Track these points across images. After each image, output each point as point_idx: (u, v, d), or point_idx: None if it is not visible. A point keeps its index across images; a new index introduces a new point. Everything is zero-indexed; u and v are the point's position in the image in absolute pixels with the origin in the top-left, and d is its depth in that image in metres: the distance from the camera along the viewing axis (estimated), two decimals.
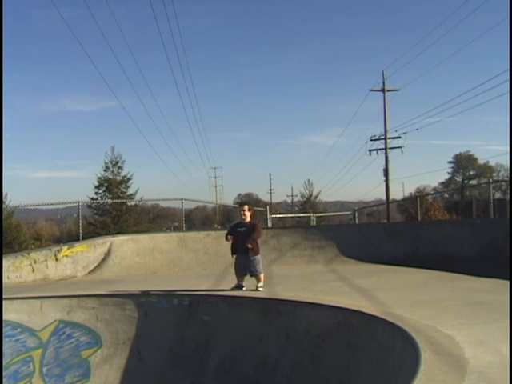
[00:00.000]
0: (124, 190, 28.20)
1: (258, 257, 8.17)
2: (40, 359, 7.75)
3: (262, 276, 8.17)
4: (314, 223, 28.14)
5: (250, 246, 7.94)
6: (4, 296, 7.67)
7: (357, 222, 25.35)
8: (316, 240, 10.90)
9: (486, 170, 59.61)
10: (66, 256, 11.90)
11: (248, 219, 8.29)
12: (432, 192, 48.99)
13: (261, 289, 8.03)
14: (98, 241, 12.86)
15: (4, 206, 20.86)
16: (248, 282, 8.27)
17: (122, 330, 7.89)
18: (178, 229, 21.48)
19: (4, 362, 7.46)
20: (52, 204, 17.32)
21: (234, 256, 8.32)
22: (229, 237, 8.27)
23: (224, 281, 9.25)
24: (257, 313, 7.17)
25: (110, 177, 28.03)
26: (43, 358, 7.77)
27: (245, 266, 8.12)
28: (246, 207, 8.39)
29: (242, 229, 8.21)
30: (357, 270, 10.69)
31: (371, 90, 32.30)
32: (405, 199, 43.17)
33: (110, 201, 26.50)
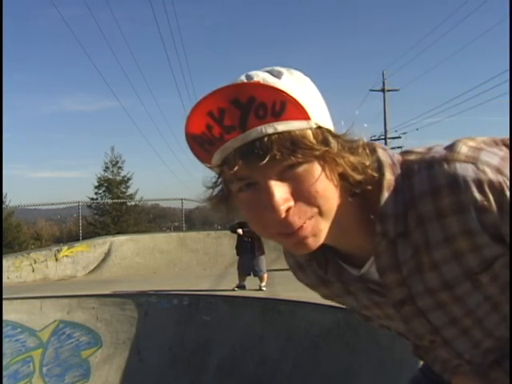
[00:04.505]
0: (124, 190, 28.13)
1: (263, 257, 8.26)
2: (40, 359, 7.75)
3: (265, 276, 8.23)
4: None
5: (243, 231, 8.11)
6: (4, 296, 7.67)
7: None
8: None
9: None
10: (66, 256, 11.90)
11: None
12: None
13: (264, 288, 8.09)
14: (98, 241, 12.86)
15: (4, 206, 20.83)
16: (250, 282, 8.29)
17: (122, 330, 7.89)
18: (177, 229, 21.49)
19: (4, 362, 7.46)
20: (52, 204, 17.34)
21: (239, 256, 8.45)
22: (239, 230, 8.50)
23: (224, 281, 9.25)
24: (257, 313, 7.17)
25: (110, 177, 27.96)
26: (43, 357, 7.77)
27: (248, 266, 8.19)
28: None
29: (246, 229, 8.30)
30: None
31: (371, 90, 32.24)
32: None
33: (109, 201, 26.46)
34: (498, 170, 0.83)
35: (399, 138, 32.21)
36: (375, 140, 33.31)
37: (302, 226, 0.80)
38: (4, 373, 7.33)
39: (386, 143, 31.91)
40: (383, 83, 31.71)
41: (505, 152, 0.87)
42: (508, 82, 19.48)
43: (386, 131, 31.80)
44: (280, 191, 0.78)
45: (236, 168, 0.77)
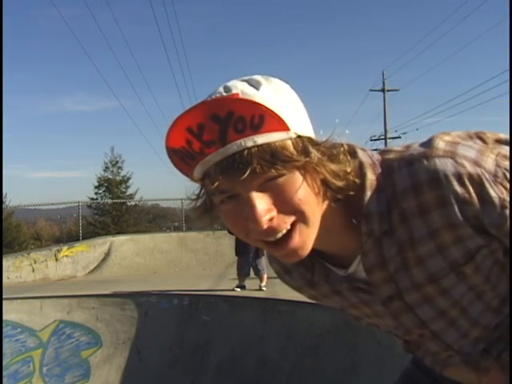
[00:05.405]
0: (124, 189, 28.15)
1: (263, 257, 8.27)
2: (40, 359, 7.75)
3: (265, 276, 8.24)
4: None
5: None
6: (4, 296, 7.67)
7: None
8: None
9: None
10: (66, 256, 11.90)
11: None
12: None
13: (264, 288, 8.10)
14: (98, 241, 12.87)
15: (4, 206, 20.83)
16: (250, 282, 8.29)
17: (122, 330, 7.89)
18: (177, 229, 21.48)
19: (4, 362, 7.46)
20: (52, 204, 17.34)
21: (238, 256, 8.44)
22: None
23: (224, 281, 9.26)
24: (257, 313, 7.17)
25: (110, 177, 27.96)
26: (43, 358, 7.77)
27: (249, 265, 8.20)
28: None
29: None
30: None
31: (371, 90, 32.24)
32: None
33: (109, 201, 26.47)
34: (476, 163, 0.85)
35: (399, 138, 32.18)
36: (375, 140, 33.38)
37: (290, 237, 0.81)
38: (4, 373, 7.33)
39: (386, 143, 31.92)
40: (383, 83, 31.70)
41: (480, 145, 0.90)
42: (508, 82, 19.49)
43: (385, 131, 31.80)
44: (262, 203, 0.78)
45: (217, 183, 0.78)
